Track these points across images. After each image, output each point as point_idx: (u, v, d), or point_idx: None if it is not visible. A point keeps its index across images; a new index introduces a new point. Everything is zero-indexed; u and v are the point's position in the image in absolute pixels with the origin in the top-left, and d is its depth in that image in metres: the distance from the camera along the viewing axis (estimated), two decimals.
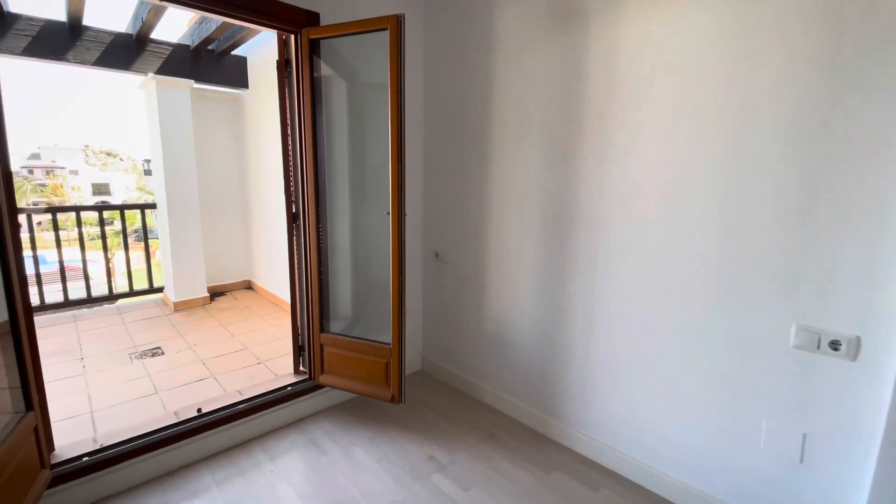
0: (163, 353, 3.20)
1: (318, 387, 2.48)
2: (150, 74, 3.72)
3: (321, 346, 2.41)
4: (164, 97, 3.84)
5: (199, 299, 4.25)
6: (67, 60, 3.31)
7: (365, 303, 2.69)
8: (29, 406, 1.56)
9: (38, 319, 3.75)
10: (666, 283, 1.79)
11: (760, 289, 1.55)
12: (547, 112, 2.11)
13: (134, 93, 4.09)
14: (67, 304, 3.95)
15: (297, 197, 2.44)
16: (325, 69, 2.36)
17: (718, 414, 1.70)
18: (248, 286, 4.93)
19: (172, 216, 4.04)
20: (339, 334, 2.39)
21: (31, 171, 42.16)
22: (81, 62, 3.38)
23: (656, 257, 1.81)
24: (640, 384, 1.92)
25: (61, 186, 43.63)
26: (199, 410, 2.20)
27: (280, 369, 2.92)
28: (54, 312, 3.91)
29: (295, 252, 2.51)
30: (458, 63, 2.52)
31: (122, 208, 4.26)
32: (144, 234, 4.33)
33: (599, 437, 2.09)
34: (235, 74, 4.29)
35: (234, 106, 4.63)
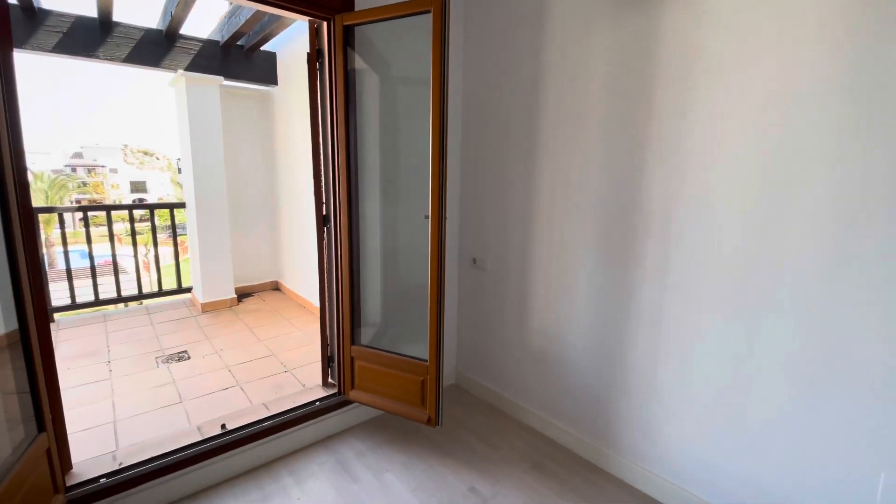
0: (189, 358, 3.11)
1: (348, 402, 2.31)
2: (180, 71, 3.64)
3: (351, 358, 2.23)
4: (193, 94, 3.76)
5: (226, 301, 4.17)
6: (98, 57, 3.25)
7: (396, 309, 2.50)
8: (41, 427, 1.43)
9: (69, 318, 3.74)
10: (757, 301, 1.52)
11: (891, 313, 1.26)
12: (610, 104, 1.86)
13: (166, 91, 4.04)
14: (98, 302, 3.93)
15: (327, 198, 2.27)
16: (357, 62, 2.18)
17: (823, 461, 1.42)
18: (276, 287, 4.84)
19: (201, 215, 3.96)
20: (372, 347, 2.20)
21: (73, 170, 44.23)
22: (112, 59, 3.32)
23: (746, 271, 1.53)
24: (720, 417, 1.65)
25: (102, 184, 45.61)
26: (223, 427, 2.05)
27: (308, 379, 2.77)
28: (85, 311, 3.89)
29: (325, 257, 2.34)
30: (502, 52, 2.29)
31: (151, 207, 4.23)
32: (174, 234, 4.28)
33: (665, 474, 1.83)
34: (265, 70, 4.18)
35: (263, 103, 4.54)
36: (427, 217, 1.94)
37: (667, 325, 1.76)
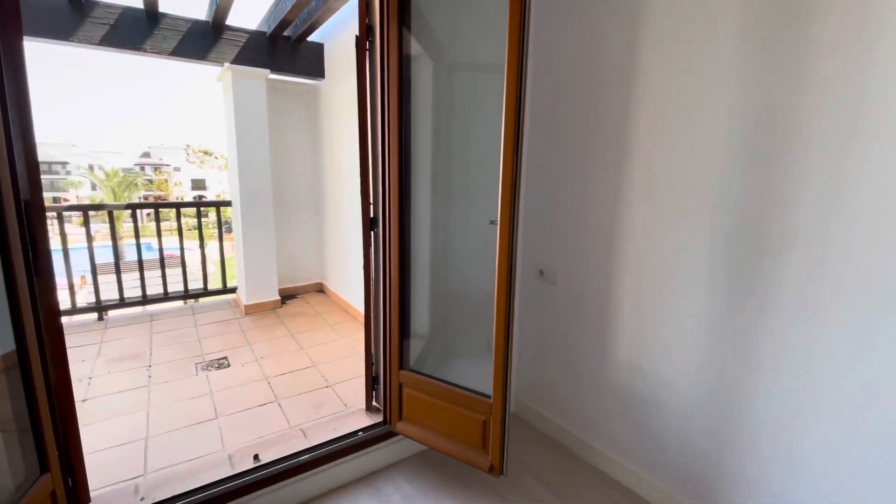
0: (228, 366, 2.94)
1: (394, 433, 2.00)
2: (226, 64, 3.50)
3: (400, 385, 1.92)
4: (239, 88, 3.61)
5: (269, 303, 4.03)
6: (145, 50, 3.15)
7: (447, 321, 2.18)
8: (44, 467, 1.22)
9: (116, 316, 3.71)
10: None
11: None
12: (744, 91, 1.42)
13: (216, 87, 3.94)
14: (145, 300, 3.90)
15: (375, 199, 1.97)
16: (412, 46, 1.86)
17: None
18: (320, 289, 4.67)
19: (246, 214, 3.83)
20: (424, 374, 1.88)
21: (142, 168, 47.67)
22: (158, 52, 3.21)
23: None
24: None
25: (166, 182, 48.86)
26: (255, 458, 1.81)
27: (350, 397, 2.51)
28: (133, 308, 3.87)
29: (370, 266, 2.05)
30: (586, 32, 1.88)
31: (198, 205, 4.17)
32: (219, 232, 4.19)
33: None
34: (311, 63, 3.98)
35: (309, 98, 4.35)
36: (493, 223, 1.59)
37: (817, 375, 1.31)
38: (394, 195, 1.83)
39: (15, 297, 1.13)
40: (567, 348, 2.12)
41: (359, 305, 3.84)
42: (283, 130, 4.22)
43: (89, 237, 3.60)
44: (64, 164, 48.21)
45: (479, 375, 1.72)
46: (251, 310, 3.93)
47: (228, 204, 4.21)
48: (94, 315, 3.66)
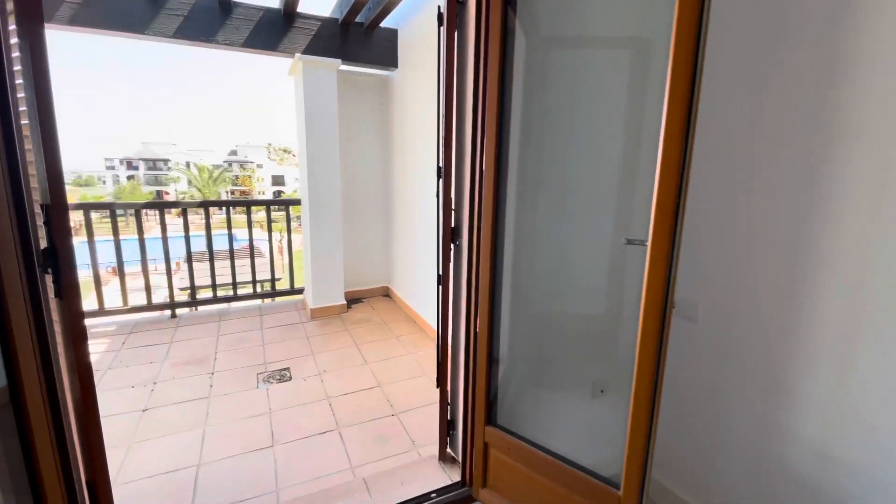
0: (290, 379, 2.72)
1: (475, 500, 1.60)
2: (297, 55, 3.29)
3: (485, 445, 1.51)
4: (309, 80, 3.40)
5: (335, 307, 3.82)
6: (217, 42, 3.01)
7: (539, 352, 1.73)
8: None
9: (188, 315, 3.69)
10: None
11: None
12: None
13: (288, 82, 3.78)
14: (216, 300, 3.85)
15: (459, 205, 1.56)
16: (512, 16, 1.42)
17: None
18: (386, 293, 4.40)
19: (314, 214, 3.63)
20: (520, 437, 1.44)
21: (230, 165, 51.99)
22: (230, 43, 3.07)
23: None
24: None
25: (250, 178, 52.91)
26: None
27: (419, 432, 2.15)
28: (204, 307, 3.84)
29: (449, 285, 1.65)
30: None
31: (268, 203, 4.05)
32: (288, 234, 4.06)
33: None
34: (384, 51, 3.68)
35: (381, 91, 4.07)
36: (633, 242, 1.11)
37: None
38: (487, 201, 1.41)
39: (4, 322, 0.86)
40: (713, 410, 1.57)
41: (427, 315, 3.50)
42: (352, 125, 3.98)
43: (187, 228, 3.60)
44: (165, 161, 53.83)
45: (584, 429, 1.26)
46: (317, 314, 3.74)
47: (298, 203, 4.06)
48: (168, 312, 3.66)
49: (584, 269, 1.63)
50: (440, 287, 1.73)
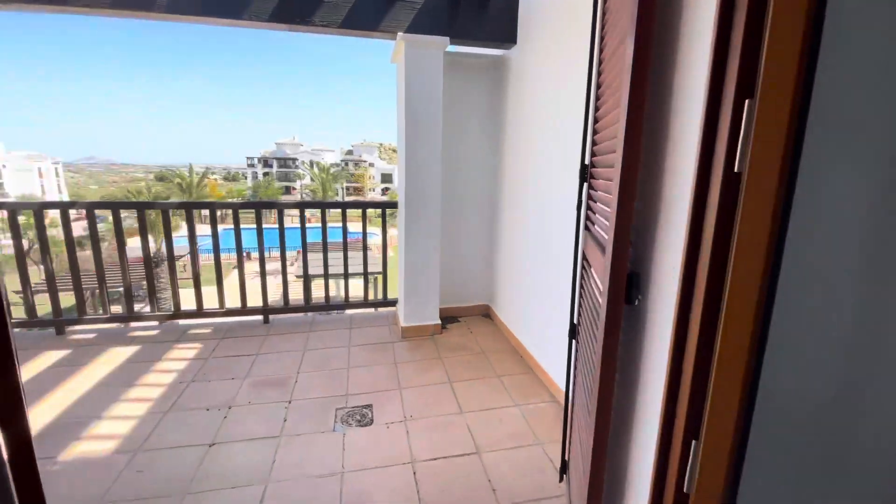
0: (371, 422, 2.24)
1: None
2: (400, 35, 2.81)
3: None
4: (412, 63, 2.90)
5: (428, 327, 3.31)
6: (314, 24, 2.66)
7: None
8: None
9: (281, 320, 3.47)
10: None
11: None
12: None
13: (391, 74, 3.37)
14: (308, 307, 3.61)
15: (643, 236, 0.85)
16: None
17: None
18: (486, 313, 3.78)
19: (410, 220, 3.16)
20: None
21: (346, 164, 56.33)
22: (328, 25, 2.69)
23: None
24: None
25: (363, 175, 56.75)
26: None
27: None
28: (295, 315, 3.62)
29: (612, 378, 0.94)
30: None
31: (364, 206, 3.70)
32: (383, 238, 3.66)
33: None
34: (501, 26, 3.04)
35: (492, 74, 3.44)
36: None
37: None
38: (754, 244, 0.68)
39: None
40: None
41: (535, 350, 2.79)
42: (456, 116, 3.41)
43: (281, 224, 3.43)
44: (294, 159, 60.21)
45: None
46: (408, 333, 3.27)
47: (394, 206, 3.63)
48: (261, 317, 3.50)
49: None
50: (573, 342, 1.04)
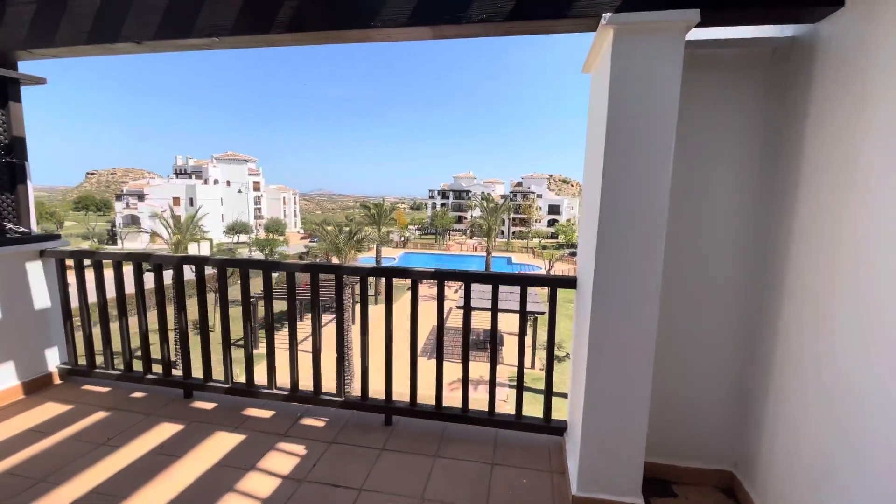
0: None
1: None
2: (606, 17, 1.67)
3: None
4: (625, 55, 1.71)
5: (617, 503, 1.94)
6: (470, 20, 1.74)
7: None
8: None
9: (406, 426, 2.57)
10: None
11: None
12: None
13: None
14: (439, 413, 2.63)
15: None
16: None
17: None
18: (728, 486, 2.18)
19: (599, 304, 1.90)
20: None
21: (514, 196, 56.94)
22: (487, 18, 1.74)
23: None
24: None
25: (530, 207, 56.32)
26: None
27: None
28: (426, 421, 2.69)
29: None
30: None
31: (523, 282, 2.58)
32: (550, 329, 2.47)
33: None
34: None
35: (770, 75, 1.97)
36: None
37: None
38: None
39: None
40: None
41: None
42: (691, 148, 2.05)
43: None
44: (467, 192, 63.96)
45: None
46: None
47: (571, 284, 2.38)
48: (382, 417, 2.68)
49: None
50: None
